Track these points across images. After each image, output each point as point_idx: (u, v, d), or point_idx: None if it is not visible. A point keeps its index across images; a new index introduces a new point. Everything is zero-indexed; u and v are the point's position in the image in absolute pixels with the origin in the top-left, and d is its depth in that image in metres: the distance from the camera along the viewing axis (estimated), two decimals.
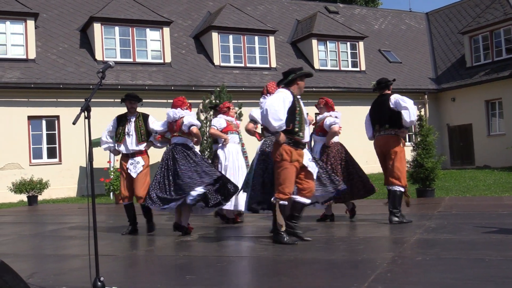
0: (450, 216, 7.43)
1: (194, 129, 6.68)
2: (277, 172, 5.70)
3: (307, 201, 5.81)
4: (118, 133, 7.17)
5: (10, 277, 3.39)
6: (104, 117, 17.27)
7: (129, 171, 7.03)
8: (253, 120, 7.01)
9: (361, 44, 22.83)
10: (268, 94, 6.62)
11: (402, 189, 6.89)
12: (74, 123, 3.73)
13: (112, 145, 7.30)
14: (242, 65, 20.29)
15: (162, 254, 5.57)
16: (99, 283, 3.66)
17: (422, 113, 12.46)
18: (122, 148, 7.17)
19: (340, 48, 22.42)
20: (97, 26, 17.90)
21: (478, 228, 6.08)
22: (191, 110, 7.07)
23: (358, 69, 22.60)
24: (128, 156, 7.12)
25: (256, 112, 6.95)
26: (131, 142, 7.05)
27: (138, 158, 7.07)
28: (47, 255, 5.97)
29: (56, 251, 6.23)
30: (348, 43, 22.62)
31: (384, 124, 6.97)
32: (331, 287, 3.82)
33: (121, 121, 7.24)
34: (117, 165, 14.26)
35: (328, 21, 23.09)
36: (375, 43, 25.11)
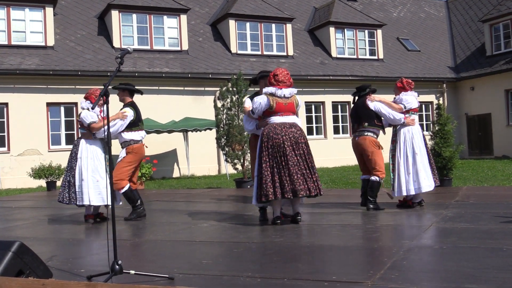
0: (467, 205, 7.36)
1: None
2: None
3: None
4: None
5: (30, 259, 3.47)
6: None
7: None
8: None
9: (379, 32, 22.62)
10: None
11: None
12: (93, 108, 3.77)
13: None
14: (259, 52, 20.23)
15: (178, 239, 5.61)
16: (117, 267, 3.70)
17: (441, 102, 12.31)
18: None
19: (358, 36, 22.24)
20: (114, 13, 17.96)
21: (496, 217, 6.03)
22: None
23: (376, 57, 22.41)
24: None
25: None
26: None
27: None
28: (65, 239, 6.06)
29: (75, 235, 6.31)
30: (366, 31, 22.42)
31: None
32: (347, 274, 3.83)
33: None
34: None
35: (346, 9, 22.88)
36: (393, 31, 24.85)
